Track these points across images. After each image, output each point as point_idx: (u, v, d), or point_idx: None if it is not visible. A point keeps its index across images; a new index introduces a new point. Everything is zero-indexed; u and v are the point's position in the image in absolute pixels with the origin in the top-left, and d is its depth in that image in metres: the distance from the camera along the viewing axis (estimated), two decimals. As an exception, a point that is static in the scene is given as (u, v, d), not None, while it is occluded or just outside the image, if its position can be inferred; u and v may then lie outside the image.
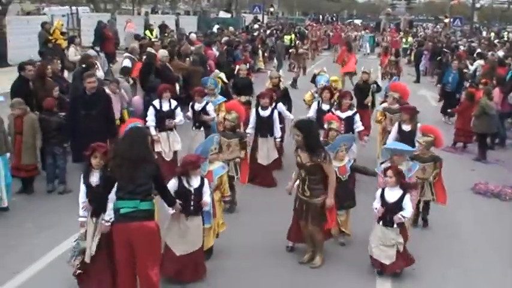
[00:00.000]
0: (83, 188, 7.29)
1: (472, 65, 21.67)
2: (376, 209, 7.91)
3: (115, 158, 6.77)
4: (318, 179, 7.91)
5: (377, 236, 7.96)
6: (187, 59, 17.86)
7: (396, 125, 11.21)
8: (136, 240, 6.52)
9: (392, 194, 7.86)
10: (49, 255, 8.32)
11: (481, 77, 18.34)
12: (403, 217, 7.77)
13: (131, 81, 14.76)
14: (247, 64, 19.40)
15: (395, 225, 7.83)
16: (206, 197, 7.61)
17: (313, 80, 15.78)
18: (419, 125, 10.79)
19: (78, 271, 7.17)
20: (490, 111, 14.37)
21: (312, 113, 12.37)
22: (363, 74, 15.79)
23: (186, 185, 7.49)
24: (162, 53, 15.80)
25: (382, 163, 8.88)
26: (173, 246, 7.52)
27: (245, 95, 14.69)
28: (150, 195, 6.72)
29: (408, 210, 7.83)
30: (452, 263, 8.66)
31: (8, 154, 9.98)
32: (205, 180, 7.74)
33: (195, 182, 7.56)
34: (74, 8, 38.53)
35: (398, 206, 7.79)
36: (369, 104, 15.34)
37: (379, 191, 8.02)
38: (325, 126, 10.33)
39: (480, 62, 20.64)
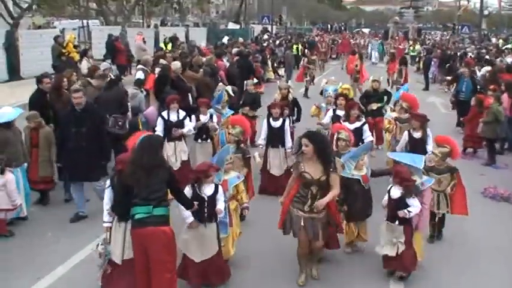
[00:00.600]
0: (108, 192, 7.47)
1: (480, 71, 21.76)
2: (383, 204, 8.18)
3: (129, 166, 6.94)
4: (327, 192, 7.63)
5: (383, 234, 8.09)
6: (201, 70, 18.05)
7: (406, 133, 11.25)
8: (151, 244, 6.68)
9: (396, 191, 7.97)
10: (69, 262, 8.54)
11: (485, 83, 18.43)
12: (409, 212, 7.80)
13: (144, 93, 14.92)
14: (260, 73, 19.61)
15: (396, 222, 7.90)
16: (220, 205, 7.67)
17: (322, 92, 15.97)
18: (429, 132, 10.93)
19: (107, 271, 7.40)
20: (501, 117, 14.54)
21: (327, 119, 12.53)
22: (374, 82, 15.68)
23: (199, 192, 7.58)
24: (176, 64, 16.03)
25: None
26: (191, 254, 7.62)
27: (252, 109, 14.87)
28: (165, 201, 6.88)
29: (415, 206, 7.85)
30: (463, 268, 8.73)
31: (26, 164, 10.15)
32: (220, 188, 7.82)
33: (209, 190, 7.64)
34: (84, 21, 38.91)
35: (402, 202, 7.86)
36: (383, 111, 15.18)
37: (389, 186, 8.16)
38: (335, 136, 10.20)
39: (487, 68, 20.72)
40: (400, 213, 7.80)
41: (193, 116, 11.90)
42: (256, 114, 14.89)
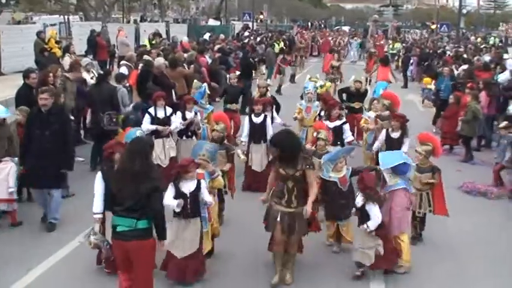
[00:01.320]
0: (99, 183, 7.56)
1: (457, 69, 22.13)
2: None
3: (116, 171, 6.80)
4: (305, 187, 7.80)
5: (357, 239, 8.15)
6: (191, 65, 18.23)
7: (384, 131, 11.39)
8: (135, 257, 6.47)
9: (359, 199, 8.05)
10: (58, 254, 8.74)
11: (462, 80, 18.77)
12: (367, 227, 7.84)
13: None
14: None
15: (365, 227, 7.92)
16: (206, 197, 7.76)
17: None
18: (408, 136, 11.03)
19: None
20: (479, 115, 14.91)
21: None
22: (356, 83, 15.81)
23: (181, 189, 7.61)
24: (159, 60, 16.17)
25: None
26: (173, 249, 7.67)
27: (235, 103, 14.96)
28: (150, 211, 6.48)
29: (374, 217, 7.84)
30: (444, 264, 8.90)
31: (16, 159, 10.03)
32: (202, 183, 7.84)
33: (191, 186, 7.67)
34: (64, 16, 38.80)
35: (363, 211, 7.94)
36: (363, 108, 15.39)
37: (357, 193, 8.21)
38: (314, 134, 10.38)
39: (465, 67, 21.06)
40: (361, 228, 7.94)
41: (178, 113, 11.99)
42: (238, 107, 14.98)
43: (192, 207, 7.65)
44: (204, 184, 7.87)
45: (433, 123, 18.46)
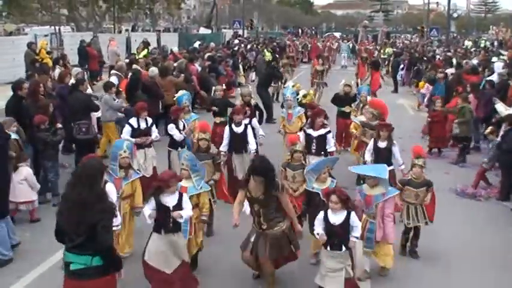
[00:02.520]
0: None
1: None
2: (317, 234, 7.43)
3: (61, 202, 6.02)
4: (273, 209, 7.63)
5: (324, 264, 7.48)
6: (182, 75, 18.31)
7: (372, 141, 11.10)
8: None
9: (337, 217, 7.34)
10: (49, 261, 8.78)
11: (450, 84, 18.89)
12: (356, 238, 7.39)
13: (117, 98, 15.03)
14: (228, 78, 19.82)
15: (343, 249, 7.31)
16: (184, 212, 7.46)
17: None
18: (396, 144, 10.79)
19: None
20: (469, 117, 15.09)
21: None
22: (345, 87, 15.73)
23: (162, 202, 7.41)
24: (154, 71, 16.27)
25: (361, 181, 9.05)
26: (160, 266, 7.43)
27: (220, 116, 14.10)
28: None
29: (357, 228, 7.41)
30: (434, 266, 9.04)
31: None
32: (184, 197, 7.65)
33: (172, 200, 7.47)
34: (56, 27, 38.80)
35: (345, 228, 7.30)
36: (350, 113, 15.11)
37: (321, 213, 7.49)
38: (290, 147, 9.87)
39: (451, 70, 21.20)
40: (351, 244, 7.35)
41: (154, 125, 11.89)
42: (223, 119, 14.06)
43: (174, 221, 7.42)
44: (186, 198, 7.67)
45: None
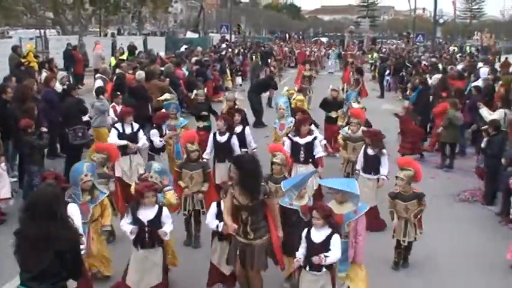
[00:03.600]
0: None
1: (431, 79, 22.32)
2: (299, 258, 6.87)
3: (18, 239, 5.35)
4: (261, 217, 7.20)
5: (304, 286, 6.97)
6: (167, 79, 18.25)
7: (363, 148, 10.85)
8: None
9: (319, 234, 6.77)
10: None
11: (436, 89, 18.95)
12: (325, 257, 6.58)
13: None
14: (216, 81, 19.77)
15: (323, 270, 6.74)
16: (165, 227, 7.24)
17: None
18: (385, 153, 10.58)
19: None
20: (457, 122, 15.06)
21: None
22: (333, 91, 15.78)
23: (139, 216, 7.17)
24: (140, 74, 16.23)
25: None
26: (135, 284, 7.25)
27: (203, 120, 14.05)
28: (64, 280, 5.41)
29: (334, 252, 6.66)
30: (417, 263, 9.13)
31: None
32: (164, 210, 7.37)
33: (150, 213, 7.22)
34: (41, 30, 38.60)
35: (326, 247, 6.68)
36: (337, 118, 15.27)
37: (305, 231, 6.94)
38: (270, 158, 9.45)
39: (438, 76, 21.25)
40: (315, 259, 6.60)
41: (141, 131, 11.69)
42: (206, 124, 14.11)
43: (150, 236, 7.17)
44: (166, 212, 7.37)
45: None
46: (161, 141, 11.74)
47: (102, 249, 8.25)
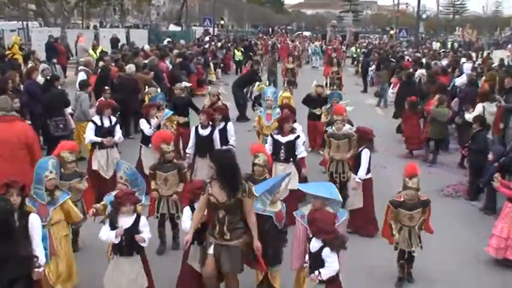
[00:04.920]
0: None
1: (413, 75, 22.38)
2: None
3: None
4: (239, 217, 6.79)
5: None
6: (151, 72, 18.14)
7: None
8: None
9: (314, 244, 6.37)
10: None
11: (426, 85, 19.00)
12: (319, 273, 6.20)
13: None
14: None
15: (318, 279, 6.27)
16: (144, 234, 6.97)
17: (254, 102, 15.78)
18: (365, 151, 10.08)
19: None
20: (442, 119, 15.10)
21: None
22: (317, 88, 15.56)
23: (117, 224, 6.89)
24: (131, 67, 16.16)
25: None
26: None
27: (183, 115, 13.91)
28: None
29: (329, 268, 6.22)
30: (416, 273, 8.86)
31: None
32: (142, 219, 7.09)
33: (127, 221, 6.93)
34: (23, 22, 38.34)
35: (318, 258, 6.29)
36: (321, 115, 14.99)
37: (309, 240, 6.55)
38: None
39: (422, 71, 21.31)
40: (312, 277, 6.29)
41: (118, 125, 11.60)
42: (187, 120, 14.05)
43: (127, 244, 6.91)
44: (144, 221, 7.09)
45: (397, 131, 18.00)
46: (151, 128, 11.54)
47: (68, 256, 7.60)
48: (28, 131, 9.30)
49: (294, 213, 7.20)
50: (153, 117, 11.77)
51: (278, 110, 12.87)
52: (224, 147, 11.04)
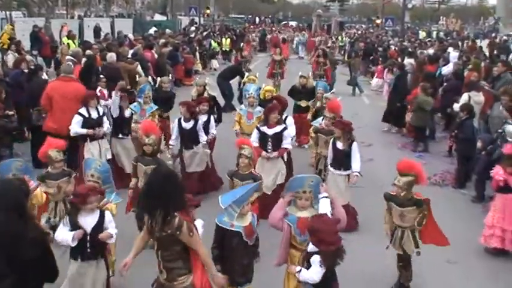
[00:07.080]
0: None
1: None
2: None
3: None
4: (174, 254, 5.48)
5: None
6: (136, 62, 18.01)
7: (331, 141, 9.98)
8: None
9: (311, 245, 5.79)
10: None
11: (415, 74, 19.01)
12: (299, 271, 5.82)
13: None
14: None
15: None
16: (110, 230, 6.42)
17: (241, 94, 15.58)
18: (355, 144, 9.76)
19: None
20: (426, 107, 15.14)
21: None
22: (301, 78, 15.30)
23: (79, 223, 6.23)
24: (112, 56, 16.04)
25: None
26: None
27: (165, 110, 13.68)
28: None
29: (310, 274, 5.71)
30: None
31: None
32: (107, 215, 6.50)
33: (91, 220, 6.32)
34: (6, 12, 37.91)
35: (308, 257, 5.82)
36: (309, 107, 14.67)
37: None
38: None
39: (410, 60, 21.32)
40: (292, 268, 6.01)
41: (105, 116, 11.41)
42: (168, 114, 13.81)
43: (92, 246, 6.30)
44: (109, 217, 6.49)
45: (383, 120, 17.83)
46: (109, 126, 11.28)
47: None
48: (80, 90, 11.42)
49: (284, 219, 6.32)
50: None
51: (259, 108, 11.95)
52: (203, 139, 11.13)
